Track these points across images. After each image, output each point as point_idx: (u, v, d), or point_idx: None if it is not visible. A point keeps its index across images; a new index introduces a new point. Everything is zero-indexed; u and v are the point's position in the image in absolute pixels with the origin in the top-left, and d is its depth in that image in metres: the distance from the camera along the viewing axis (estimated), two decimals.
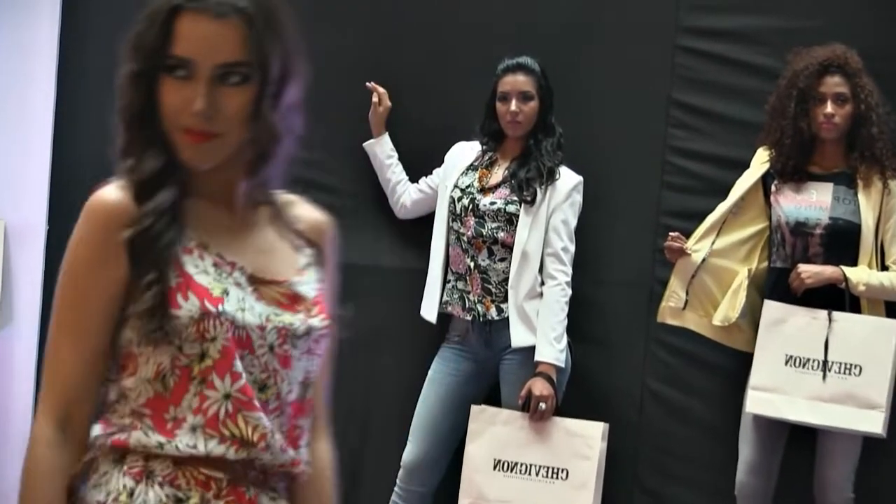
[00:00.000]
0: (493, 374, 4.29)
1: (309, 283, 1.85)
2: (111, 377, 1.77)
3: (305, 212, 1.93)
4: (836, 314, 3.92)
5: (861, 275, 3.93)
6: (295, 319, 1.80)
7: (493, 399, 4.30)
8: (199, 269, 1.75)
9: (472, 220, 4.26)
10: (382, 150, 4.56)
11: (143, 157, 1.75)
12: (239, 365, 1.74)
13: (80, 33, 4.82)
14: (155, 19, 1.71)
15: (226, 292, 1.74)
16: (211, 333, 1.72)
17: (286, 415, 1.80)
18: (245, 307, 1.76)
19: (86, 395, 1.76)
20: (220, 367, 1.73)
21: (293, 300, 1.81)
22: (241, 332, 1.74)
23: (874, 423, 3.87)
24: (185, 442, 1.72)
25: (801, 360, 3.94)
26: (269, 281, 1.81)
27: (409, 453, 4.30)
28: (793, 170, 4.06)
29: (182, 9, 1.71)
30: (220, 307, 1.73)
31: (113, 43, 1.83)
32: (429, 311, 4.32)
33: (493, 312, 4.22)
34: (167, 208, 1.74)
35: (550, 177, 4.24)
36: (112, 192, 1.75)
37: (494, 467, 4.17)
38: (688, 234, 4.17)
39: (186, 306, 1.71)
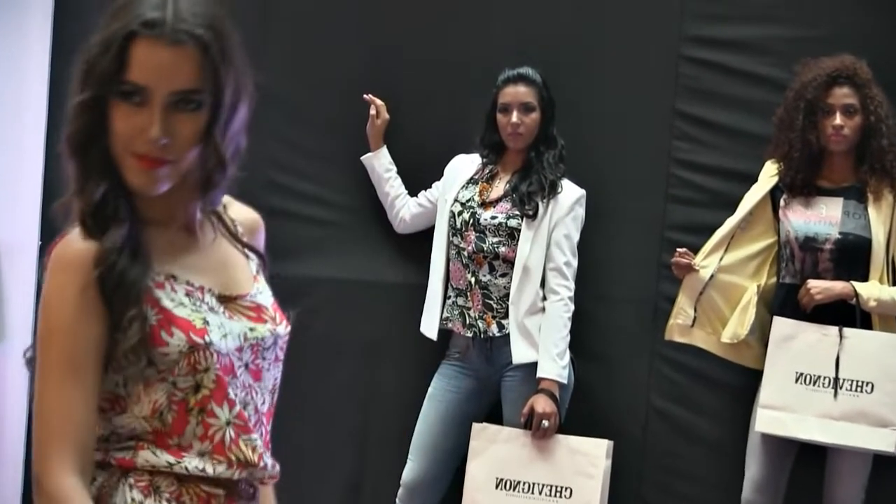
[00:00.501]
0: (494, 391, 4.24)
1: (264, 291, 1.91)
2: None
3: (239, 213, 1.96)
4: (847, 330, 3.87)
5: (872, 290, 3.88)
6: (265, 331, 1.85)
7: (495, 417, 4.26)
8: (175, 302, 1.76)
9: (472, 235, 4.20)
10: (380, 164, 4.50)
11: (88, 187, 1.76)
12: (231, 392, 1.78)
13: (73, 43, 4.76)
14: (110, 45, 1.71)
15: (206, 322, 1.77)
16: (203, 365, 1.75)
17: (263, 425, 1.86)
18: (226, 332, 1.79)
19: (94, 439, 1.74)
20: (217, 397, 1.77)
21: (257, 311, 1.86)
22: (225, 358, 1.78)
23: (886, 442, 3.82)
24: (193, 464, 1.77)
25: (811, 377, 3.88)
26: (236, 297, 1.85)
27: (410, 471, 4.26)
28: (802, 183, 4.02)
29: (137, 35, 1.70)
30: (206, 338, 1.75)
31: None
32: (429, 327, 4.27)
33: (493, 329, 4.16)
34: (125, 242, 1.73)
35: (552, 190, 4.18)
36: (74, 240, 1.74)
37: (496, 486, 4.13)
38: (693, 248, 4.13)
39: (173, 342, 1.73)
